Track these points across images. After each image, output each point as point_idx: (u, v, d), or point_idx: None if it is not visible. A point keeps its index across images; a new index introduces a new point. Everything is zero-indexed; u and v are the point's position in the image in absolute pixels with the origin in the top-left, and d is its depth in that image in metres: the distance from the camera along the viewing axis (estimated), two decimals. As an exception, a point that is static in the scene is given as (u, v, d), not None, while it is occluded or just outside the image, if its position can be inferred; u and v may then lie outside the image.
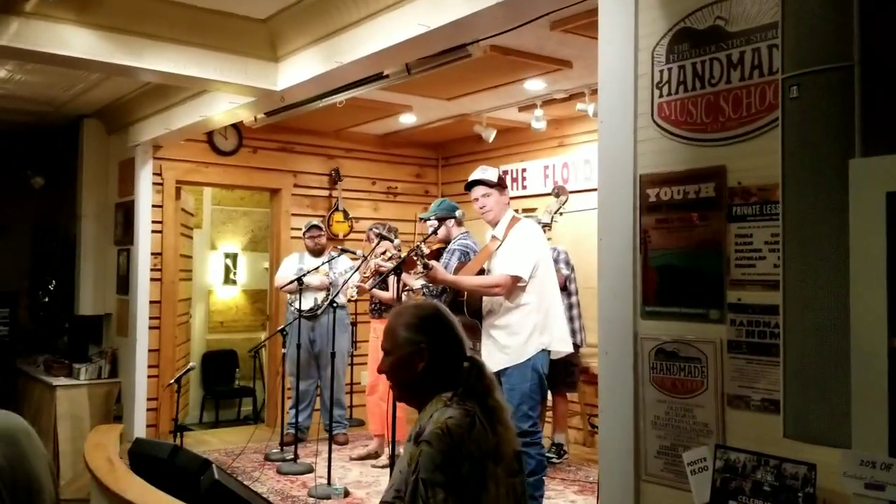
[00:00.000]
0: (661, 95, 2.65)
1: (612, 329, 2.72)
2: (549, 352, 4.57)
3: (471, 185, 4.76)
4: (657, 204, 2.62)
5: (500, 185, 4.64)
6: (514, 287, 4.46)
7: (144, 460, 4.69)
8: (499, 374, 4.60)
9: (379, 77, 5.03)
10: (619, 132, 2.74)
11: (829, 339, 1.82)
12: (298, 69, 4.85)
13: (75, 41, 4.41)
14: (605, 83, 2.84)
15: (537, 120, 6.80)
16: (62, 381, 7.43)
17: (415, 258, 4.57)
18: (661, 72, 2.66)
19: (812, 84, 1.90)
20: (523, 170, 7.86)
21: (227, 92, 5.38)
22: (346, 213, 8.40)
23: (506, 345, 4.53)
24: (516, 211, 5.29)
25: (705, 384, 2.44)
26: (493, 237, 4.64)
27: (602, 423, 2.76)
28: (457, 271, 4.89)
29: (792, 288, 1.91)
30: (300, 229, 7.46)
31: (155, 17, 4.60)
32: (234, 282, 10.45)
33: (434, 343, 2.26)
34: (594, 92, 6.12)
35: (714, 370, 2.42)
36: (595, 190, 6.91)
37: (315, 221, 7.33)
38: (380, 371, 2.37)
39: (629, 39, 2.74)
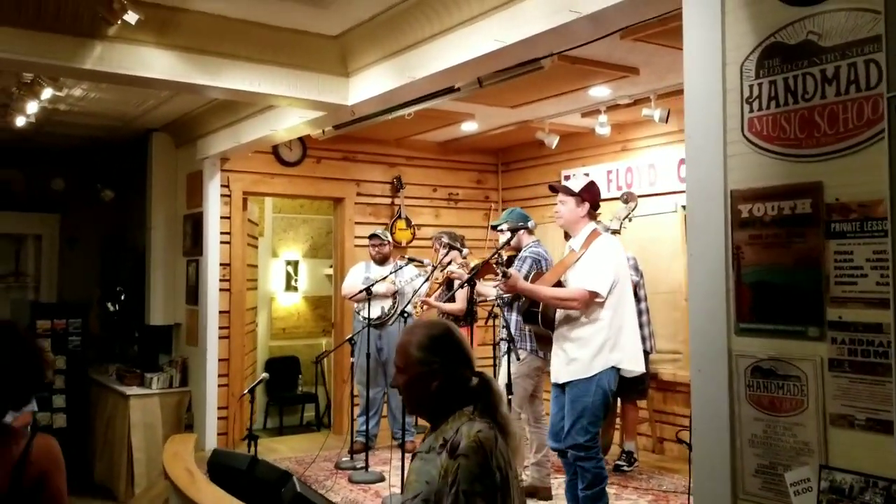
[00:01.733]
0: (751, 111, 2.63)
1: (705, 346, 2.70)
2: (619, 370, 4.53)
3: (555, 189, 4.80)
4: (750, 220, 2.60)
5: (580, 195, 4.63)
6: (591, 302, 4.44)
7: (223, 471, 4.76)
8: (564, 385, 4.60)
9: (450, 90, 5.07)
10: (708, 147, 2.72)
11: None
12: (370, 84, 4.90)
13: (156, 63, 4.51)
14: (692, 98, 2.82)
15: (601, 126, 6.79)
16: (135, 390, 7.61)
17: (495, 265, 4.61)
18: (751, 87, 2.63)
19: (921, 103, 1.88)
20: (586, 174, 7.83)
21: (298, 107, 5.46)
22: (408, 220, 8.46)
23: (574, 357, 4.51)
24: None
25: (805, 402, 2.42)
26: (572, 250, 4.63)
27: (696, 441, 2.75)
28: (528, 279, 4.89)
29: (904, 307, 1.90)
30: (364, 237, 7.54)
31: (231, 36, 4.69)
32: (295, 288, 10.55)
33: (446, 363, 2.37)
34: (660, 97, 6.10)
35: (815, 388, 2.39)
36: (661, 194, 6.94)
37: (376, 231, 7.38)
38: (392, 386, 2.55)
39: (716, 54, 2.71)
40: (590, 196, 4.66)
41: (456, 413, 2.32)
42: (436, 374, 2.34)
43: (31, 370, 2.58)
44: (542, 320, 4.68)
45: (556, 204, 4.76)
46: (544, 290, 4.58)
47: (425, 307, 6.57)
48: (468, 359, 2.43)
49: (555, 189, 4.79)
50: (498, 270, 4.54)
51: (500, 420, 2.34)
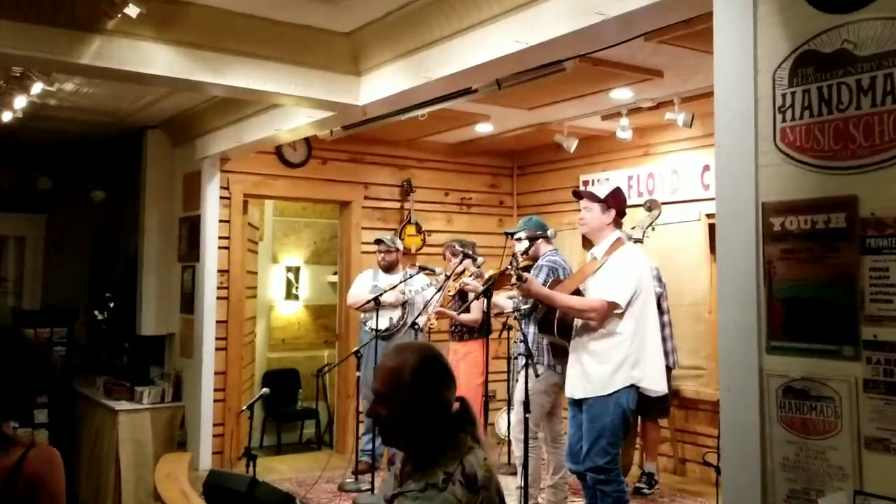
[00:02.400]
0: (783, 120, 2.69)
1: (735, 364, 2.76)
2: (640, 388, 4.57)
3: (579, 195, 4.86)
4: (783, 233, 2.66)
5: (605, 202, 4.69)
6: (609, 313, 4.49)
7: (221, 493, 4.83)
8: (580, 401, 4.64)
9: (467, 91, 5.16)
10: (739, 157, 2.78)
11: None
12: (382, 84, 4.99)
13: (157, 58, 4.60)
14: (723, 107, 2.88)
15: (623, 129, 6.87)
16: (124, 404, 7.59)
17: (509, 270, 4.68)
18: (784, 95, 2.69)
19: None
20: (606, 179, 7.91)
21: (306, 107, 5.54)
22: (418, 225, 8.50)
23: (591, 373, 4.55)
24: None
25: (839, 425, 2.48)
26: (593, 258, 4.69)
27: (725, 464, 2.82)
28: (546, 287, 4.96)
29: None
30: (371, 243, 7.57)
31: (235, 32, 4.78)
32: (296, 297, 10.52)
33: (441, 391, 2.35)
34: (684, 101, 6.19)
35: (849, 410, 2.45)
36: (684, 202, 7.01)
37: (383, 237, 7.38)
38: (371, 415, 2.37)
39: (748, 62, 2.77)
40: (615, 203, 4.71)
41: (452, 444, 2.30)
42: (430, 402, 2.31)
43: (29, 376, 2.67)
44: (558, 329, 4.73)
45: (574, 210, 4.83)
46: (561, 296, 4.63)
47: (439, 317, 6.64)
48: (455, 384, 2.41)
49: (578, 195, 4.84)
50: (513, 274, 4.59)
51: (481, 440, 2.38)
